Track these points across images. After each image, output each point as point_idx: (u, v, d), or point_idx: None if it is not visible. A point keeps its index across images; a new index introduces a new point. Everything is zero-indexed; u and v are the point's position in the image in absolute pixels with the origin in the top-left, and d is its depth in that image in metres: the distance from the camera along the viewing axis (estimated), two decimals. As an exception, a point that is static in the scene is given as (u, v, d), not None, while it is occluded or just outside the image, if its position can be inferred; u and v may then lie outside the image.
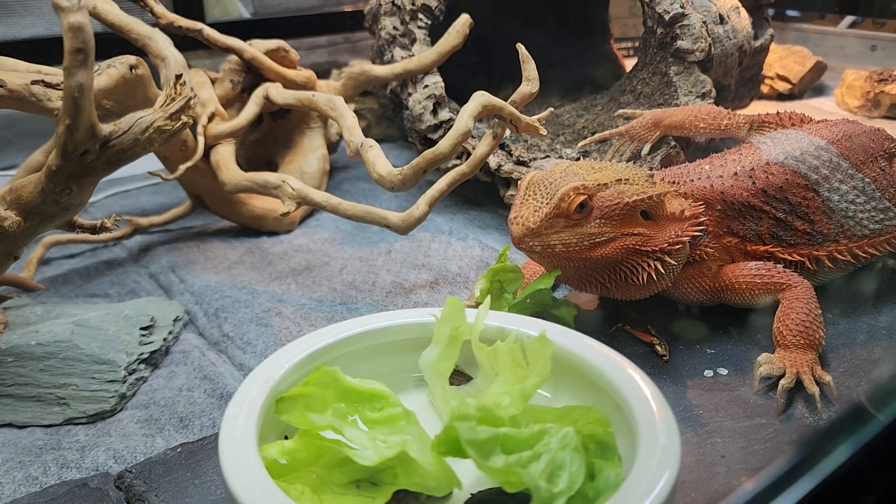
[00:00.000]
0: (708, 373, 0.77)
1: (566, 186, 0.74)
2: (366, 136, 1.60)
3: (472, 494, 0.56)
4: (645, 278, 0.77)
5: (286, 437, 0.61)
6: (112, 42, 0.96)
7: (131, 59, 0.88)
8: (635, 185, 0.77)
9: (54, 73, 0.87)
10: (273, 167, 1.25)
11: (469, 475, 0.57)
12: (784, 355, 0.76)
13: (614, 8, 1.80)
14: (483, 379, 0.66)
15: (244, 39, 1.14)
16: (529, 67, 0.95)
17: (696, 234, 0.78)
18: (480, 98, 0.85)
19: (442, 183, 0.93)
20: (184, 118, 0.61)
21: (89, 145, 0.57)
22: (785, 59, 1.77)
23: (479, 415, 0.55)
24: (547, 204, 0.74)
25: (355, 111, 1.57)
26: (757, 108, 1.24)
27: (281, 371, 0.61)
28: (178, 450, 0.69)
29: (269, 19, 1.73)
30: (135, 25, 0.73)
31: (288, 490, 0.54)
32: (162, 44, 0.68)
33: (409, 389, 0.70)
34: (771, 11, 2.00)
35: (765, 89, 1.77)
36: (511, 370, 0.64)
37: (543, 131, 0.87)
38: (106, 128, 0.59)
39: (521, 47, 0.96)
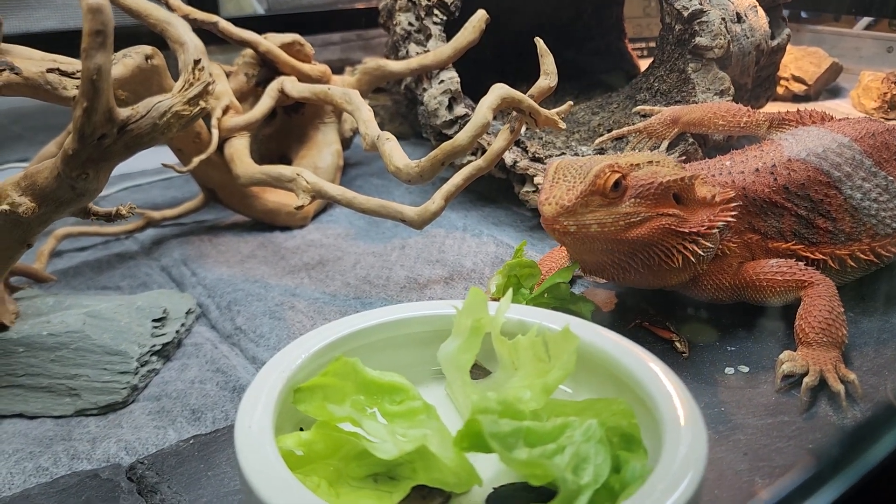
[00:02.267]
0: (729, 370, 0.76)
1: (601, 164, 0.72)
2: (378, 133, 1.60)
3: (493, 489, 0.55)
4: (681, 261, 0.75)
5: (301, 429, 0.60)
6: (129, 34, 0.95)
7: (147, 49, 0.87)
8: (666, 167, 0.76)
9: (70, 62, 0.86)
10: (286, 162, 1.24)
11: (489, 470, 0.56)
12: (807, 353, 0.75)
13: (628, 8, 1.79)
14: (503, 373, 0.65)
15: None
16: (548, 61, 0.94)
17: (730, 219, 0.77)
18: (499, 91, 0.83)
19: (458, 178, 0.92)
20: (202, 103, 0.60)
21: (107, 129, 0.56)
22: (800, 61, 1.76)
23: (501, 408, 0.54)
24: (581, 182, 0.72)
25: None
26: (773, 109, 1.22)
27: (298, 361, 0.60)
28: (191, 441, 0.68)
29: (282, 15, 1.72)
30: (153, 10, 0.72)
31: (304, 482, 0.53)
32: (181, 29, 0.67)
33: (426, 383, 0.69)
34: (786, 12, 1.99)
35: (780, 90, 1.75)
36: (532, 364, 0.62)
37: (562, 125, 0.86)
38: (124, 112, 0.58)
39: (539, 41, 0.95)
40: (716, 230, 0.76)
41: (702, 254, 0.75)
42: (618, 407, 0.57)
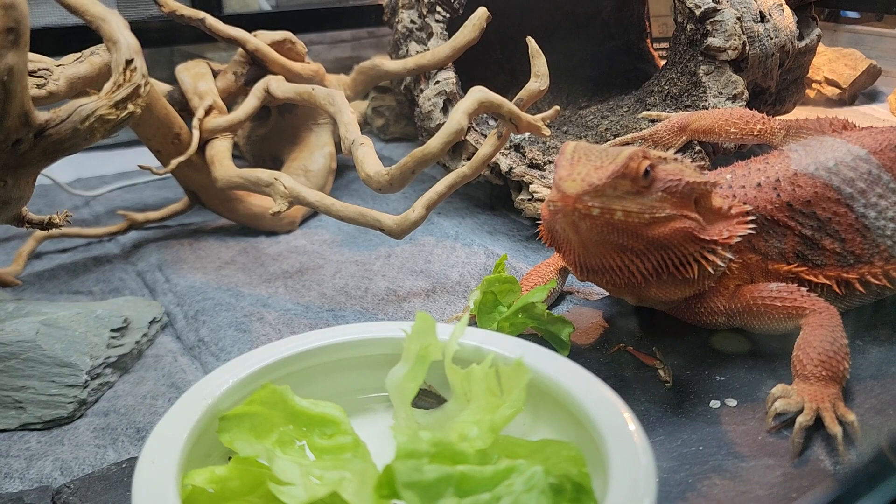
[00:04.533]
0: (714, 403, 0.69)
1: (631, 149, 0.66)
2: (384, 134, 1.56)
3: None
4: (696, 271, 0.69)
5: (230, 458, 0.56)
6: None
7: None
8: (689, 168, 0.70)
9: (37, 60, 0.83)
10: (278, 163, 1.20)
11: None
12: (803, 388, 0.68)
13: (655, 6, 1.71)
14: (455, 404, 0.60)
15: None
16: (539, 63, 0.88)
17: (748, 231, 0.71)
18: (477, 94, 0.78)
19: (441, 185, 0.87)
20: (131, 107, 0.56)
21: (21, 134, 0.52)
22: (835, 63, 1.66)
23: (435, 451, 0.49)
24: (612, 162, 0.65)
25: (373, 108, 1.52)
26: (802, 114, 1.14)
27: (224, 387, 0.55)
28: (124, 465, 0.64)
29: (290, 12, 1.68)
30: (90, 7, 0.68)
31: (213, 523, 0.49)
32: (115, 26, 0.63)
33: (377, 411, 0.64)
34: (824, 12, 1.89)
35: (812, 94, 1.66)
36: (484, 397, 0.57)
37: (546, 131, 0.80)
38: (42, 116, 0.54)
39: (530, 41, 0.89)
40: (734, 241, 0.70)
41: (720, 264, 0.70)
42: (568, 453, 0.52)
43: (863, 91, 1.72)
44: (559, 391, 0.57)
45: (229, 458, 0.56)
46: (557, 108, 0.83)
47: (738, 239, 0.70)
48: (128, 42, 0.61)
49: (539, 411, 0.61)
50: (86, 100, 0.56)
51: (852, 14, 2.01)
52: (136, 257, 1.04)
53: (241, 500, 0.51)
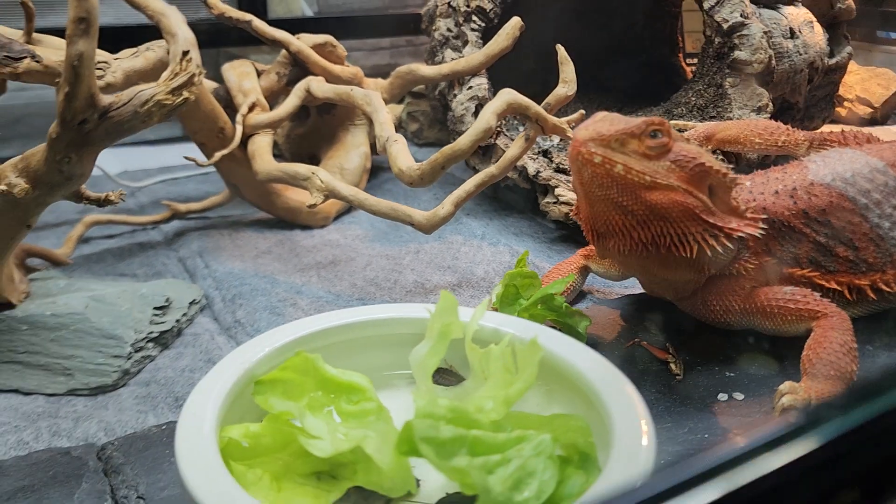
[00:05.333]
0: (722, 396, 0.72)
1: (652, 118, 0.69)
2: (418, 138, 1.60)
3: (445, 495, 0.54)
4: (695, 251, 0.70)
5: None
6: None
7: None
8: (712, 157, 0.73)
9: (97, 54, 0.89)
10: (316, 161, 1.25)
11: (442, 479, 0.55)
12: (810, 385, 0.70)
13: (689, 22, 1.74)
14: (473, 381, 0.63)
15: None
16: (567, 70, 0.92)
17: (755, 232, 0.73)
18: (506, 96, 0.82)
19: (469, 184, 0.91)
20: (185, 94, 0.61)
21: (87, 114, 0.58)
22: (867, 82, 1.67)
23: (450, 415, 0.53)
24: (625, 123, 0.69)
25: (409, 113, 1.57)
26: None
27: (260, 354, 0.60)
28: (164, 427, 0.68)
29: (332, 18, 1.74)
30: (151, 2, 0.74)
31: (245, 473, 0.53)
32: (174, 20, 0.69)
33: (400, 387, 0.68)
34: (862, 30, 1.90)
35: (843, 112, 1.67)
36: (500, 375, 0.61)
37: (571, 134, 0.83)
38: (106, 98, 0.59)
39: (560, 48, 0.93)
40: (739, 235, 0.72)
41: (719, 251, 0.71)
42: (575, 423, 0.56)
43: (895, 111, 1.73)
44: (569, 369, 0.60)
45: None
46: (582, 111, 0.87)
47: (743, 234, 0.72)
48: (185, 35, 0.67)
49: (553, 393, 0.64)
50: (145, 86, 0.61)
51: (894, 34, 2.02)
52: (177, 244, 1.10)
53: (272, 456, 0.55)
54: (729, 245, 0.72)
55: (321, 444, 0.51)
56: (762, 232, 0.74)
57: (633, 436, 0.52)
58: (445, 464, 0.47)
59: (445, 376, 0.67)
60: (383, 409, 0.57)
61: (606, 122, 0.71)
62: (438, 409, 0.52)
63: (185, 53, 0.61)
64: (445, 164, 0.82)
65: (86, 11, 0.55)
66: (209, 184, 1.35)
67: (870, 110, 1.67)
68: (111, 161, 1.38)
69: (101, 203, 0.68)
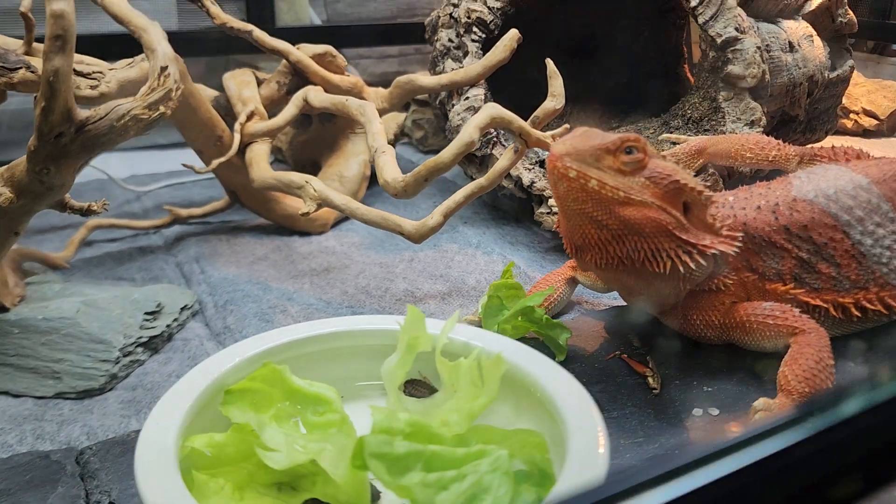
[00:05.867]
0: (697, 411, 0.72)
1: (627, 134, 0.70)
2: (422, 146, 1.62)
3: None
4: (668, 267, 0.70)
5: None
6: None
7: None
8: (688, 175, 0.73)
9: (94, 63, 0.91)
10: (317, 168, 1.27)
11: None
12: (785, 402, 0.70)
13: (697, 33, 1.73)
14: (443, 394, 0.64)
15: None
16: (556, 83, 0.92)
17: (729, 250, 0.73)
18: (489, 110, 0.83)
19: (459, 195, 0.92)
20: (162, 108, 0.63)
21: (64, 128, 0.59)
22: (874, 94, 1.66)
23: (409, 430, 0.54)
24: (601, 139, 0.70)
25: (413, 121, 1.58)
26: (836, 143, 1.15)
27: (229, 365, 0.61)
28: (143, 433, 0.70)
29: (340, 27, 1.76)
30: (134, 18, 0.76)
31: (207, 483, 0.54)
32: (155, 36, 0.70)
33: (371, 398, 0.69)
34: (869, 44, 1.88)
35: (849, 124, 1.66)
36: (468, 388, 0.62)
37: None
38: (83, 113, 0.61)
39: (549, 62, 0.93)
40: (712, 252, 0.72)
41: (692, 267, 0.71)
42: (533, 439, 0.56)
43: (904, 123, 1.71)
44: (533, 383, 0.61)
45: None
46: (567, 126, 0.87)
47: (716, 251, 0.72)
48: (164, 51, 0.68)
49: (521, 407, 0.65)
50: (122, 101, 0.63)
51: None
52: (176, 249, 1.12)
53: (236, 465, 0.57)
54: (702, 262, 0.72)
55: (277, 457, 0.52)
56: (737, 249, 0.74)
57: (587, 448, 0.52)
58: (393, 481, 0.48)
59: (418, 388, 0.68)
60: (347, 421, 0.58)
61: (583, 137, 0.71)
62: (397, 423, 0.53)
63: (164, 69, 0.63)
64: (429, 177, 0.84)
65: (62, 29, 0.57)
66: (214, 189, 1.37)
67: (876, 122, 1.66)
68: (120, 165, 1.41)
69: (85, 213, 0.70)
